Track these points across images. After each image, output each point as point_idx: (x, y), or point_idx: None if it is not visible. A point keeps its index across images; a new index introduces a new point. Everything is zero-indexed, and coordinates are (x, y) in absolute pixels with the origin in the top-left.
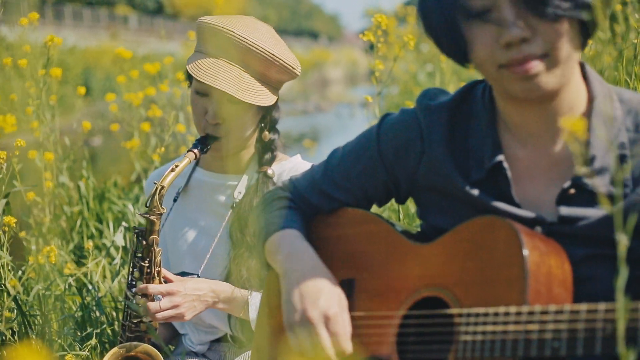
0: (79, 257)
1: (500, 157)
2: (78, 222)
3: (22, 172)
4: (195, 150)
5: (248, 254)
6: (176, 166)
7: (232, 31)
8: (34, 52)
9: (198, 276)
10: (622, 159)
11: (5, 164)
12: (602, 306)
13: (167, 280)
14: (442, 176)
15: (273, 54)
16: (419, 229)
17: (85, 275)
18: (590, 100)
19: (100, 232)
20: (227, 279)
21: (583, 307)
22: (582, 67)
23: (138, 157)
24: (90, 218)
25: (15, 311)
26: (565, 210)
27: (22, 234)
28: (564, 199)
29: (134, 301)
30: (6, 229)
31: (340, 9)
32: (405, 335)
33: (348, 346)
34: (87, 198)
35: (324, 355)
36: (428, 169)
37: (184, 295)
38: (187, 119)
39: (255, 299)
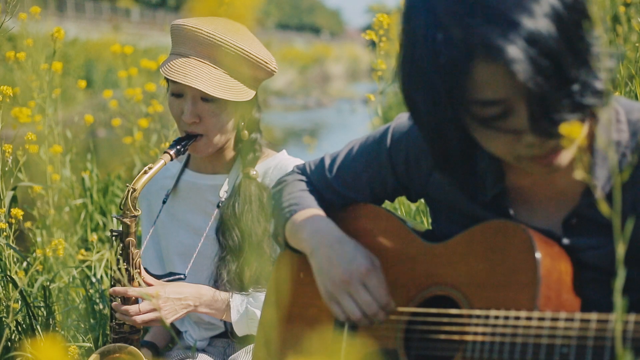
0: (83, 249)
1: (501, 188)
2: (82, 215)
3: (25, 164)
4: (171, 152)
5: (230, 258)
6: (149, 168)
7: (200, 29)
8: (36, 45)
9: (185, 276)
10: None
11: (11, 157)
12: (612, 316)
13: (147, 284)
14: (450, 193)
15: (242, 49)
16: (428, 227)
17: (89, 267)
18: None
19: (104, 225)
20: (214, 280)
21: (593, 316)
22: None
23: (139, 151)
24: (94, 210)
25: (19, 302)
26: (566, 241)
27: (28, 224)
28: (567, 228)
29: (113, 303)
30: (13, 220)
31: (342, 4)
32: (412, 332)
33: (387, 298)
34: (91, 191)
35: (371, 310)
36: (438, 183)
37: (165, 299)
38: None
39: (236, 301)
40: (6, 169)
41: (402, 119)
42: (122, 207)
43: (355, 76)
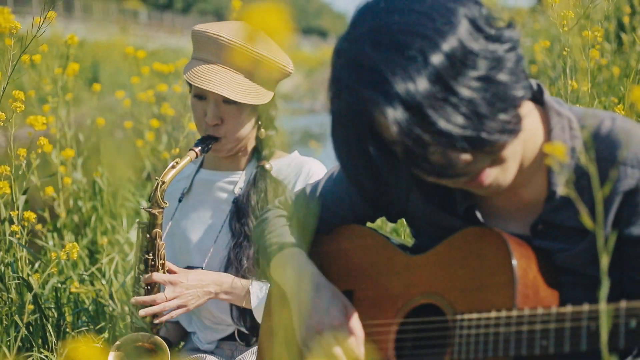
0: (92, 252)
1: (470, 202)
2: (92, 218)
3: (38, 167)
4: (197, 149)
5: (247, 243)
6: (177, 163)
7: (221, 36)
8: (47, 46)
9: (202, 269)
10: (583, 189)
11: (25, 161)
12: (586, 307)
13: (171, 272)
14: (427, 210)
15: (261, 54)
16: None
17: (99, 270)
18: (548, 132)
19: (114, 228)
20: (226, 267)
21: (568, 309)
22: (540, 94)
23: (149, 154)
24: (104, 214)
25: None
26: (537, 243)
27: (39, 227)
28: (536, 234)
29: (139, 293)
30: (25, 223)
31: (350, 7)
32: (403, 341)
33: (359, 350)
34: (101, 194)
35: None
36: (415, 203)
37: (187, 286)
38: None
39: (255, 287)
40: (20, 172)
41: None
42: (150, 199)
43: None
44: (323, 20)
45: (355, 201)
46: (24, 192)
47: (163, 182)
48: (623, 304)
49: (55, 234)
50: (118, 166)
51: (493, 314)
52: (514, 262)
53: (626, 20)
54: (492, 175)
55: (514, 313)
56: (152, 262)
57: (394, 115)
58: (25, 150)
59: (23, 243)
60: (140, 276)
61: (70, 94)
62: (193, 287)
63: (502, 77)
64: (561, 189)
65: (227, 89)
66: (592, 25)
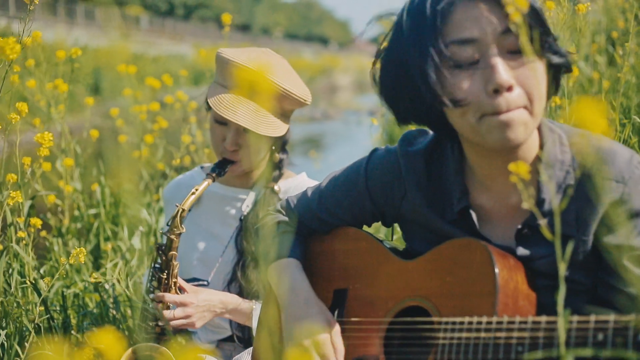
0: (96, 257)
1: (466, 203)
2: (95, 225)
3: (41, 176)
4: (213, 174)
5: (252, 263)
6: (196, 190)
7: (250, 69)
8: (47, 52)
9: (208, 282)
10: (570, 199)
11: (30, 169)
12: (559, 319)
13: (182, 290)
14: (421, 215)
15: (287, 90)
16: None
17: (103, 274)
18: (541, 146)
19: (115, 234)
20: (229, 282)
21: (543, 318)
22: None
23: (145, 165)
24: (106, 221)
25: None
26: (520, 251)
27: (43, 234)
28: (520, 238)
29: (152, 306)
30: (32, 229)
31: (352, 15)
32: (391, 339)
33: None
34: (103, 202)
35: None
36: (409, 207)
37: (196, 307)
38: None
39: (258, 310)
40: (25, 180)
41: (378, 151)
42: (169, 224)
43: (363, 87)
44: (325, 28)
45: (354, 206)
46: (32, 198)
47: (183, 210)
48: (592, 317)
49: (59, 240)
50: (120, 173)
51: (475, 319)
52: (497, 273)
53: (614, 35)
54: (521, 116)
55: (494, 319)
56: (166, 281)
57: None
58: (30, 159)
59: (30, 249)
60: (152, 290)
61: (62, 106)
62: (201, 308)
63: None
64: (550, 198)
65: (251, 122)
66: (583, 39)
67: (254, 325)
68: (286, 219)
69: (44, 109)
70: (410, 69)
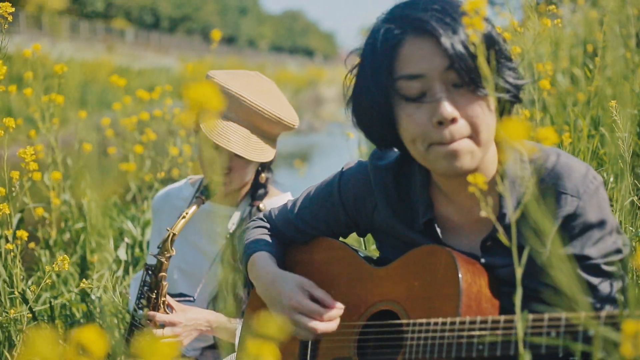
0: (83, 269)
1: (431, 215)
2: (82, 237)
3: (29, 189)
4: (203, 197)
5: (237, 278)
6: (187, 213)
7: (242, 96)
8: (34, 66)
9: (194, 299)
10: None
11: (18, 183)
12: (516, 317)
13: (170, 307)
14: (391, 226)
15: (278, 116)
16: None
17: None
18: (502, 162)
19: (100, 246)
20: (214, 299)
21: (502, 318)
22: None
23: (133, 177)
24: (92, 233)
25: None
26: (484, 260)
27: (32, 245)
28: (485, 249)
29: (141, 323)
30: (19, 242)
31: (336, 27)
32: (364, 341)
33: (324, 314)
34: (89, 215)
35: (315, 325)
36: (381, 218)
37: (184, 326)
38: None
39: (239, 329)
40: (13, 194)
41: (350, 164)
42: (159, 247)
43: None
44: (310, 40)
45: (329, 217)
46: (20, 211)
47: (174, 234)
48: (546, 315)
49: (47, 252)
50: (105, 186)
51: (439, 320)
52: (460, 276)
53: (590, 48)
54: (465, 146)
55: (457, 320)
56: (155, 300)
57: (446, 35)
58: (18, 173)
59: (17, 260)
60: (141, 307)
61: (57, 119)
62: (188, 327)
63: None
64: (509, 212)
65: (243, 149)
66: (560, 52)
67: (237, 342)
68: (268, 225)
69: (38, 121)
70: (369, 99)
